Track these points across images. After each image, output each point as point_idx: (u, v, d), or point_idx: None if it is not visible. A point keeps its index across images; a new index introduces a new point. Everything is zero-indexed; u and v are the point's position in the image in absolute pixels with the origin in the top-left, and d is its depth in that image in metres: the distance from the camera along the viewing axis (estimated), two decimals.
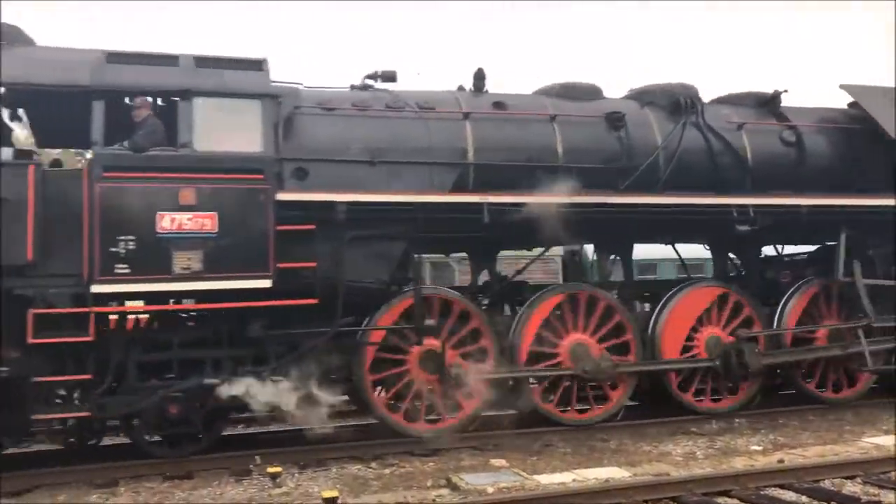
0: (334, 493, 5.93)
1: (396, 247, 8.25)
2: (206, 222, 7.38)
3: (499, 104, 9.07)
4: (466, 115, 8.75)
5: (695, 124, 9.54)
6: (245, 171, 7.56)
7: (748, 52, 35.25)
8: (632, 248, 10.04)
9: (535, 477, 6.86)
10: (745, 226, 9.15)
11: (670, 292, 9.56)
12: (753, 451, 7.98)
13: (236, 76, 7.86)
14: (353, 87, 9.07)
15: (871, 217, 9.66)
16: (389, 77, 9.07)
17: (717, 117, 9.73)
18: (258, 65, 8.12)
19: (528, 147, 8.89)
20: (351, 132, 8.38)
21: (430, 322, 8.40)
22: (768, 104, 10.17)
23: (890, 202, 9.62)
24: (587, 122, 9.19)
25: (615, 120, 9.24)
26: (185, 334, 7.70)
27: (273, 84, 7.98)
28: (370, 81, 9.12)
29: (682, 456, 7.87)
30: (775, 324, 9.83)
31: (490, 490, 6.45)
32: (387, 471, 7.48)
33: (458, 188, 8.53)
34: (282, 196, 7.64)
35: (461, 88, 9.38)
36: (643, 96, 9.87)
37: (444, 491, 6.59)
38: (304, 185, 8.00)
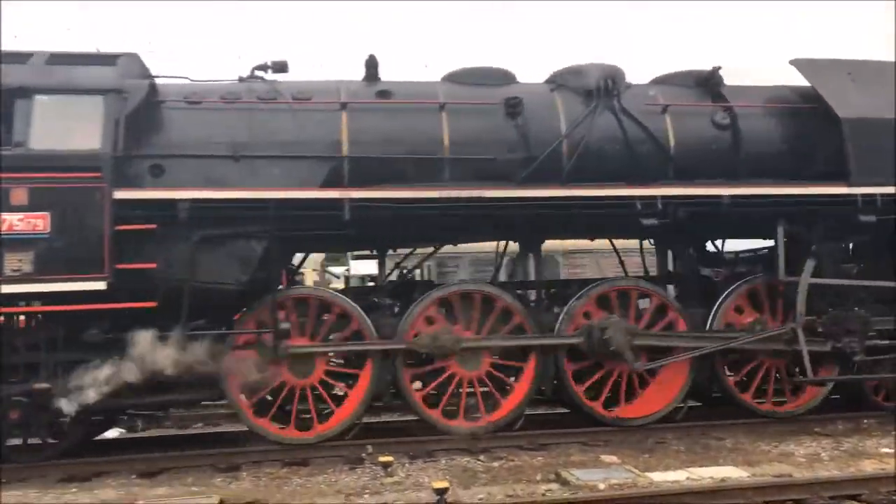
0: (445, 484, 5.92)
1: (255, 246, 7.85)
2: (38, 223, 7.19)
3: (384, 93, 8.50)
4: (343, 106, 8.25)
5: (610, 108, 8.69)
6: (80, 170, 7.33)
7: (748, 53, 33.17)
8: (539, 244, 9.24)
9: (648, 474, 6.69)
10: (652, 219, 8.27)
11: (579, 293, 8.77)
12: (884, 454, 7.47)
13: (82, 72, 7.66)
14: (240, 79, 8.73)
15: (814, 208, 8.57)
16: (280, 67, 8.67)
17: (639, 100, 8.82)
18: (112, 60, 7.90)
19: (411, 138, 8.29)
20: (215, 126, 8.03)
21: (284, 325, 7.95)
22: (706, 83, 9.15)
23: (833, 190, 8.50)
24: (482, 109, 8.48)
25: (513, 106, 8.51)
26: (19, 337, 7.57)
27: (121, 79, 7.73)
28: (260, 73, 8.75)
29: (804, 457, 7.49)
30: (708, 325, 8.89)
31: (601, 486, 6.31)
32: (495, 464, 7.45)
33: (330, 183, 8.04)
34: (119, 195, 7.38)
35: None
36: (559, 79, 9.07)
37: (554, 485, 6.51)
38: (160, 183, 7.73)
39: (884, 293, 9.00)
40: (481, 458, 7.68)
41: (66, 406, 7.27)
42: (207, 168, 7.87)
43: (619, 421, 8.61)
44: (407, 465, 7.43)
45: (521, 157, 8.40)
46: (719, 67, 9.10)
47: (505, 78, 9.03)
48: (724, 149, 8.80)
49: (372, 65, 8.77)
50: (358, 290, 9.13)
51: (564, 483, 6.50)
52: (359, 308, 8.33)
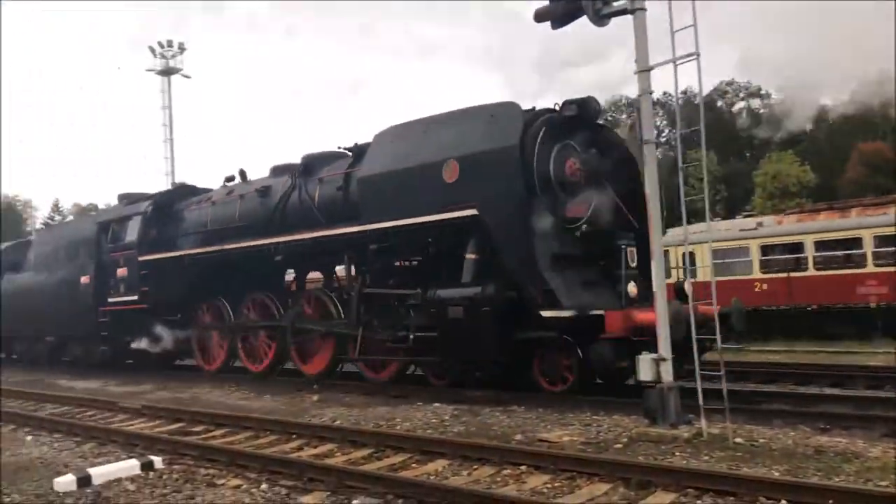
0: None
1: (184, 279, 16.68)
2: (122, 271, 17.62)
3: (230, 191, 16.10)
4: (212, 202, 16.27)
5: (302, 185, 14.32)
6: (131, 249, 17.39)
7: None
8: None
9: None
10: (278, 256, 13.88)
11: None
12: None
13: (135, 206, 17.75)
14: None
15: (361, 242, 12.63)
16: (231, 179, 17.11)
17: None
18: (150, 196, 17.79)
19: (224, 217, 15.76)
20: (189, 219, 17.07)
21: None
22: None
23: (352, 229, 12.43)
24: (258, 194, 15.29)
25: (261, 193, 15.03)
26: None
27: (148, 206, 17.47)
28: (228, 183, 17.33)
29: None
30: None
31: None
32: None
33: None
34: (140, 258, 17.14)
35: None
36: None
37: None
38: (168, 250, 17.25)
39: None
40: None
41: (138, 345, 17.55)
42: (192, 241, 16.93)
43: (304, 374, 14.34)
44: None
45: (261, 224, 14.96)
46: (345, 147, 13.61)
47: (287, 171, 15.33)
48: (342, 203, 13.45)
49: (241, 173, 16.37)
50: None
51: None
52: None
